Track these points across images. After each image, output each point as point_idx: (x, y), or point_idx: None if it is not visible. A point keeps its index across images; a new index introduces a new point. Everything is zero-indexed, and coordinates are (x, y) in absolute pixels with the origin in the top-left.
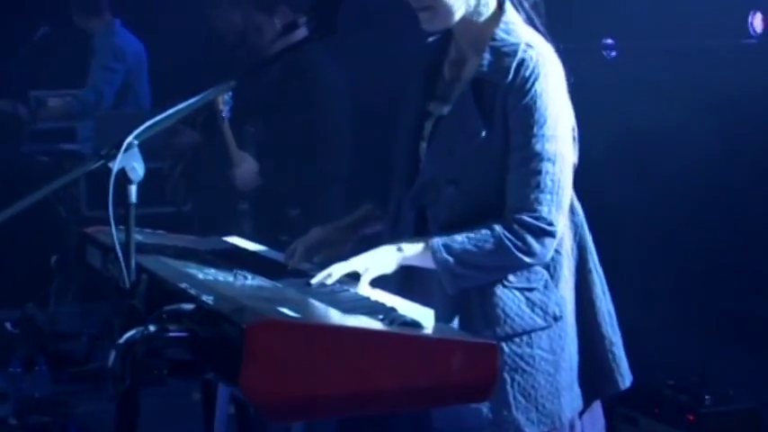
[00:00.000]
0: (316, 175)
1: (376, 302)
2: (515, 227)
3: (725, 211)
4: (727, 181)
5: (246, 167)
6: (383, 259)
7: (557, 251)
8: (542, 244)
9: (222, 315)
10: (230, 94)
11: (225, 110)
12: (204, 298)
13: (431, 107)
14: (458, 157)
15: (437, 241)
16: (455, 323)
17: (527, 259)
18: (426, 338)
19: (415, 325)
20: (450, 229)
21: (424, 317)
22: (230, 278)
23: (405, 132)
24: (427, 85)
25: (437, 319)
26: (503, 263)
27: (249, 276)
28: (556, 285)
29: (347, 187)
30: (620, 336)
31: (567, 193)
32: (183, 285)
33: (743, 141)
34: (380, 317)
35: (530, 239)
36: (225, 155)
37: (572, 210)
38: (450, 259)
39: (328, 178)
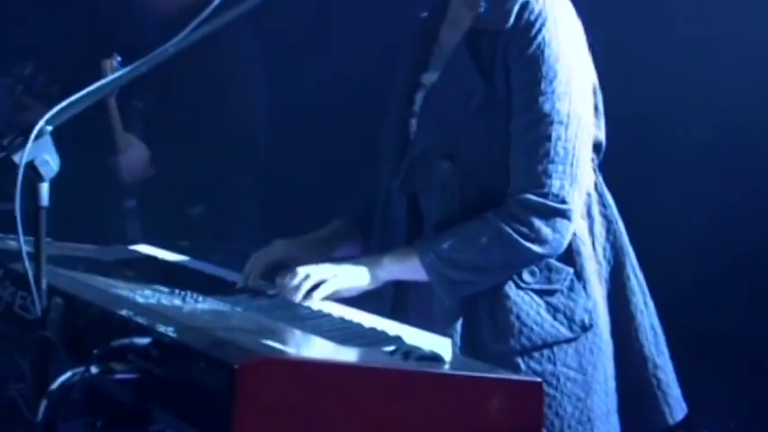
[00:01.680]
0: (222, 164)
1: (373, 330)
2: (517, 209)
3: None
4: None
5: (133, 154)
6: (357, 272)
7: (577, 242)
8: (554, 227)
9: (196, 352)
10: (119, 59)
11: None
12: (162, 329)
13: (423, 78)
14: (452, 126)
15: (422, 244)
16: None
17: (537, 249)
18: (455, 377)
19: (436, 359)
20: (447, 219)
21: (441, 348)
22: (177, 301)
23: (393, 111)
24: (420, 56)
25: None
26: (507, 258)
27: (199, 298)
28: (584, 287)
29: (335, 186)
30: (667, 357)
31: (584, 165)
32: (125, 312)
33: None
34: (389, 348)
35: (537, 223)
36: (107, 138)
37: (602, 201)
38: (441, 263)
39: (238, 167)
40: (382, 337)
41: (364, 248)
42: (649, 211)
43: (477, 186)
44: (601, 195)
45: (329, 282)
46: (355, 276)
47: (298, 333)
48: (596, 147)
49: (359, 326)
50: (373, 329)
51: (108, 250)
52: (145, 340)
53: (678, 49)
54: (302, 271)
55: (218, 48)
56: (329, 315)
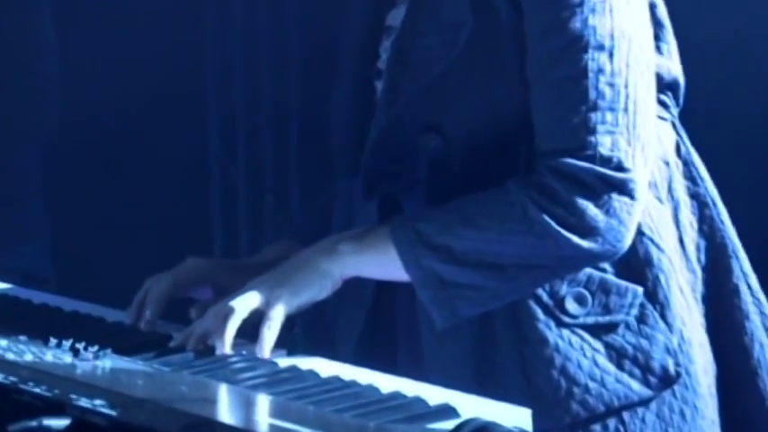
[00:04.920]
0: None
1: (398, 395)
2: (550, 179)
3: None
4: None
5: None
6: (303, 280)
7: (647, 241)
8: (608, 209)
9: None
10: None
11: None
12: (82, 403)
13: (389, 19)
14: (436, 81)
15: (400, 220)
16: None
17: (582, 242)
18: None
19: None
20: None
21: (522, 421)
22: (64, 356)
23: (346, 74)
24: None
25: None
26: (533, 252)
27: (93, 351)
28: (662, 315)
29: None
30: None
31: (647, 113)
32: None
33: None
34: (445, 426)
35: (581, 202)
36: None
37: (690, 173)
38: (429, 252)
39: (26, 140)
40: (424, 409)
41: None
42: None
43: (483, 169)
44: (687, 164)
45: (273, 311)
46: (303, 286)
47: (310, 410)
48: (670, 85)
49: (373, 390)
50: (398, 394)
51: None
52: (61, 423)
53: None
54: (215, 310)
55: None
56: (310, 373)
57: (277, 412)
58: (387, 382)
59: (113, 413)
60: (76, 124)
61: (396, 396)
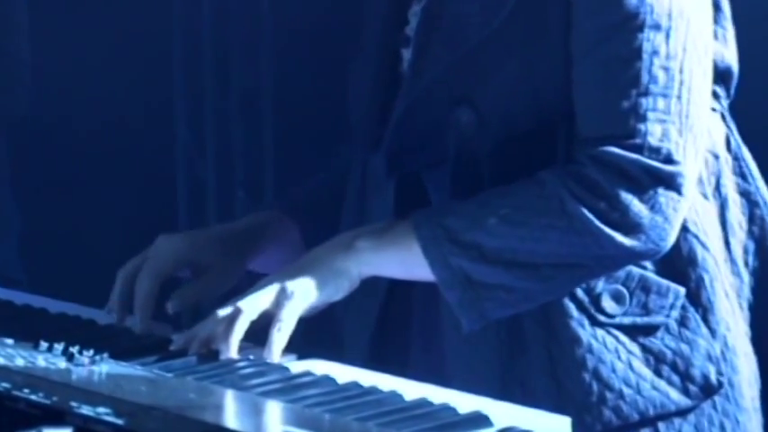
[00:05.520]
0: None
1: (424, 402)
2: (591, 170)
3: None
4: None
5: None
6: (318, 279)
7: (692, 239)
8: (653, 204)
9: None
10: None
11: None
12: (84, 411)
13: None
14: (470, 52)
15: (424, 216)
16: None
17: (623, 240)
18: None
19: None
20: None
21: (558, 427)
22: (57, 361)
23: (369, 42)
24: None
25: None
26: (570, 250)
27: (89, 355)
28: (705, 319)
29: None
30: None
31: (702, 103)
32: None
33: None
34: None
35: (624, 196)
36: None
37: (740, 169)
38: (457, 250)
39: None
40: (454, 417)
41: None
42: None
43: (517, 151)
44: (737, 159)
45: (284, 312)
46: (317, 286)
47: (330, 419)
48: (723, 74)
49: (396, 397)
50: (425, 401)
51: None
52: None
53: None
54: (221, 311)
55: None
56: (326, 379)
57: (293, 421)
58: (410, 389)
59: (120, 422)
60: (38, 109)
61: (422, 403)
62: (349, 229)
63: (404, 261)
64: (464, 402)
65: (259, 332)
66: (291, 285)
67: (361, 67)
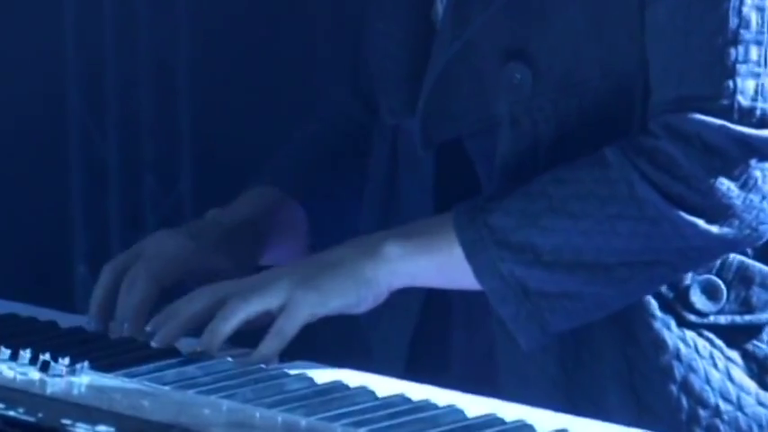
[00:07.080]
0: None
1: (491, 418)
2: (666, 144)
3: None
4: None
5: None
6: (339, 282)
7: None
8: (747, 180)
9: None
10: None
11: None
12: (80, 429)
13: None
14: None
15: (466, 212)
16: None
17: (709, 227)
18: None
19: None
20: (523, 178)
21: None
22: (28, 371)
23: None
24: None
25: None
26: (646, 244)
27: (65, 364)
28: None
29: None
30: None
31: None
32: None
33: None
34: None
35: (707, 173)
36: None
37: None
38: (507, 253)
39: None
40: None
41: (312, 242)
42: None
43: (583, 115)
44: None
45: (289, 319)
46: (336, 293)
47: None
48: None
49: (457, 413)
50: (495, 418)
51: None
52: None
53: None
54: (214, 294)
55: None
56: (364, 392)
57: None
58: (469, 403)
59: None
60: None
61: (493, 422)
62: (376, 216)
63: (443, 270)
64: (542, 419)
65: (249, 332)
66: (305, 288)
67: (385, 19)
